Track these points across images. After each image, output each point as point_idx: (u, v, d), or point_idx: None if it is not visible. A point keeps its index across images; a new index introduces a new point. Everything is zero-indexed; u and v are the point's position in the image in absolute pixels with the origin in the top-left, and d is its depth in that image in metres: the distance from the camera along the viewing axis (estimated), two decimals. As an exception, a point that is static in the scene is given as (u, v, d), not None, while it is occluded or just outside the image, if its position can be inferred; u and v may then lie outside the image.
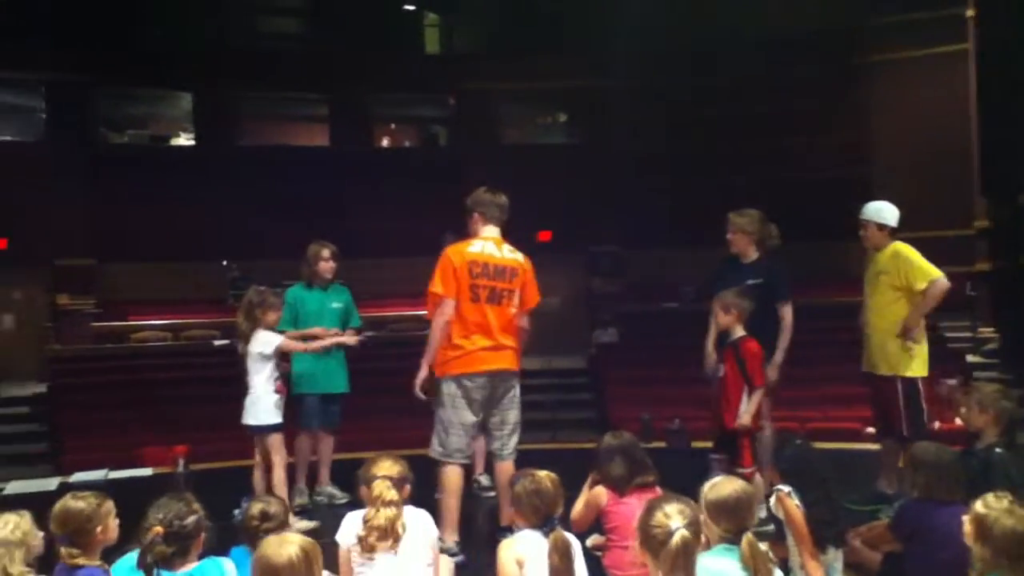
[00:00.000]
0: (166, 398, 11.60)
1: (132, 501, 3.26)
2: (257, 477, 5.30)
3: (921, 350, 5.19)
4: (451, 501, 4.53)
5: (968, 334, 13.01)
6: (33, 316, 14.84)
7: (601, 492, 3.86)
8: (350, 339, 5.82)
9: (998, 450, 3.99)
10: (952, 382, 4.73)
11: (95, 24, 14.66)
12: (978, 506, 2.79)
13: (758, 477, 4.66)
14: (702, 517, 2.73)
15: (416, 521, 3.40)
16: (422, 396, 4.68)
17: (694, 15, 14.82)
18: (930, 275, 5.08)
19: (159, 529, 2.93)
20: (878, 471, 5.38)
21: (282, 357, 5.40)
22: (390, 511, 3.28)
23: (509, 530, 4.02)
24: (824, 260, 13.65)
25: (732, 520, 2.82)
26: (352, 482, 3.97)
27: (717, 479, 3.00)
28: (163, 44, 15.68)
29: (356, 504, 3.55)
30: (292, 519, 4.29)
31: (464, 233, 4.86)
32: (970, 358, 12.01)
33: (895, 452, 5.13)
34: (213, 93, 16.21)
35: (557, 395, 12.30)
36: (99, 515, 3.09)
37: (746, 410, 4.72)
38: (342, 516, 3.47)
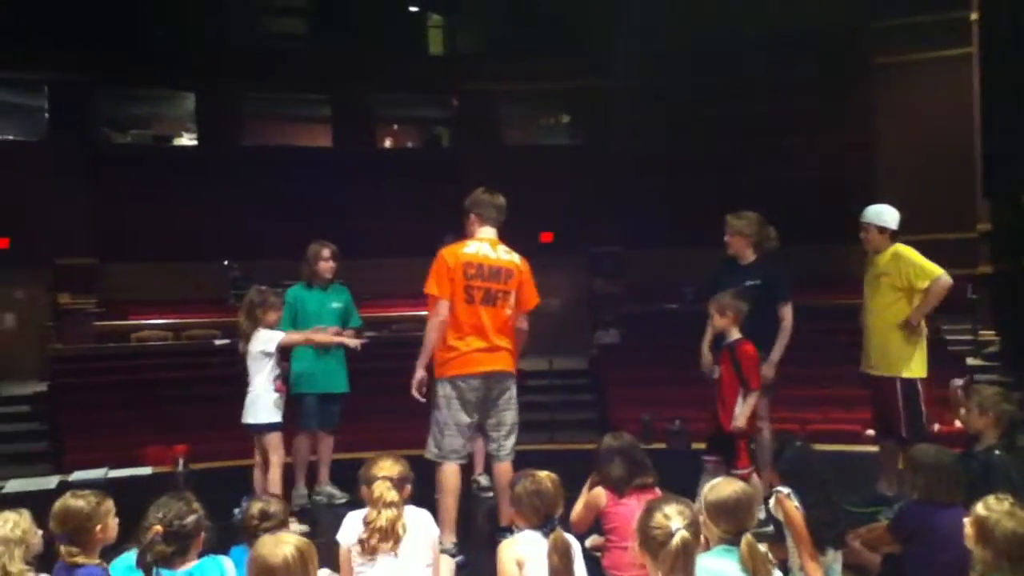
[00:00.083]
0: (167, 397, 11.61)
1: (132, 500, 3.27)
2: (257, 476, 5.30)
3: (920, 351, 5.19)
4: (448, 501, 4.53)
5: (969, 337, 13.00)
6: (34, 315, 14.85)
7: (601, 493, 3.86)
8: (352, 341, 5.82)
9: (998, 452, 3.99)
10: (959, 382, 4.71)
11: (98, 24, 14.67)
12: (979, 508, 2.79)
13: (755, 478, 4.66)
14: (701, 518, 2.73)
15: (417, 521, 3.41)
16: (420, 398, 4.69)
17: (695, 15, 14.81)
18: (932, 273, 5.09)
19: (159, 528, 2.94)
20: (878, 473, 5.38)
21: (282, 356, 5.41)
22: (391, 512, 3.28)
23: (509, 530, 4.02)
24: (825, 262, 13.64)
25: (732, 521, 2.82)
26: (352, 482, 3.97)
27: (717, 480, 3.00)
28: (166, 44, 15.68)
29: (355, 504, 3.55)
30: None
31: (465, 234, 4.86)
32: (971, 361, 11.99)
33: (895, 454, 5.13)
34: (216, 93, 16.23)
35: (558, 396, 12.30)
36: (99, 514, 3.10)
37: (741, 412, 4.72)
38: (341, 516, 3.47)
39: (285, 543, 2.59)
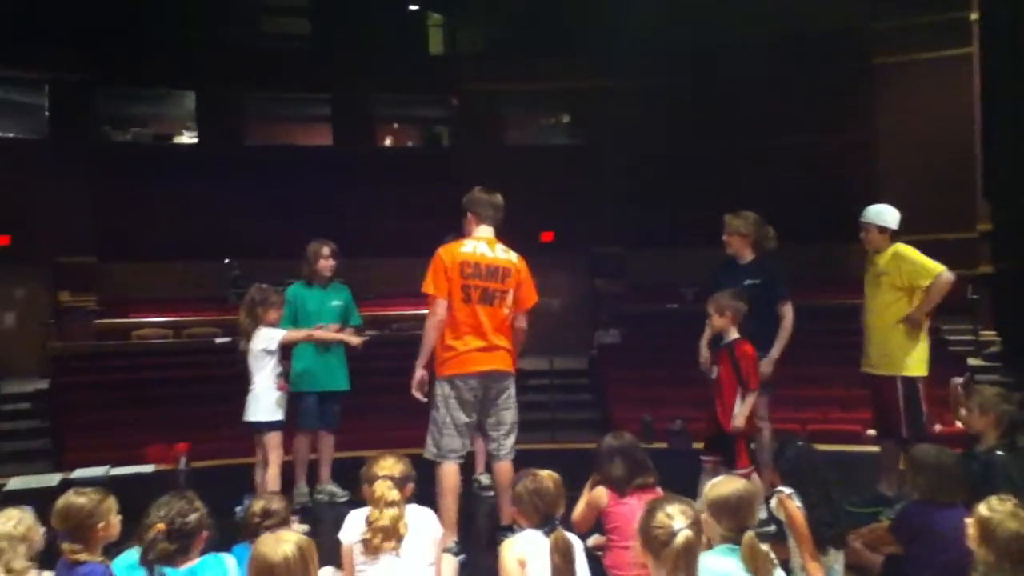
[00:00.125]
0: (167, 396, 11.63)
1: (134, 498, 3.27)
2: (259, 474, 5.30)
3: (921, 350, 5.20)
4: (448, 501, 4.52)
5: (970, 337, 13.01)
6: (35, 313, 14.86)
7: (602, 493, 3.87)
8: (354, 339, 5.82)
9: (999, 453, 3.98)
10: (959, 380, 4.70)
11: (99, 23, 14.69)
12: (982, 509, 2.79)
13: (756, 477, 4.66)
14: (703, 516, 2.74)
15: (419, 519, 3.40)
16: (421, 397, 4.69)
17: (696, 15, 14.83)
18: (934, 270, 5.09)
19: (161, 527, 2.95)
20: (878, 473, 5.38)
21: (283, 355, 5.41)
22: (392, 511, 3.28)
23: (510, 529, 4.03)
24: (825, 262, 13.66)
25: (733, 519, 2.82)
26: (353, 481, 3.97)
27: (719, 478, 3.01)
28: (167, 43, 15.69)
29: (357, 502, 3.55)
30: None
31: (464, 233, 4.86)
32: (972, 361, 12.00)
33: (895, 454, 5.12)
34: (216, 92, 16.23)
35: (559, 395, 12.32)
36: (101, 511, 3.10)
37: (740, 412, 4.73)
38: (343, 514, 3.47)
39: (285, 541, 2.60)
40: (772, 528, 3.88)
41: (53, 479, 6.91)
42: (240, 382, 5.38)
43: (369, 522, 3.27)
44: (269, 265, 12.30)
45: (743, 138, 15.35)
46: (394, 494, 3.31)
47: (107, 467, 7.13)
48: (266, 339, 5.21)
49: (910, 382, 5.15)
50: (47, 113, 15.56)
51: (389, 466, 3.41)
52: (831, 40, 15.32)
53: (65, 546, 3.05)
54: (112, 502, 3.17)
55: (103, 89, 15.99)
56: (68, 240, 14.90)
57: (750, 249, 5.35)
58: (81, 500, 3.10)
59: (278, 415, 5.25)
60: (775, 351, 5.15)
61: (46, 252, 14.72)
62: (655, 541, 2.51)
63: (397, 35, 17.52)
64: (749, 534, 2.78)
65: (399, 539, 3.26)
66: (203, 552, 3.06)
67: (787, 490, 3.63)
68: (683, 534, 2.48)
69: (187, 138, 17.05)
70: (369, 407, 9.88)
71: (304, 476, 5.91)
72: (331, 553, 3.47)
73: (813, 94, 15.28)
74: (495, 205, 4.77)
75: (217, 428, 9.39)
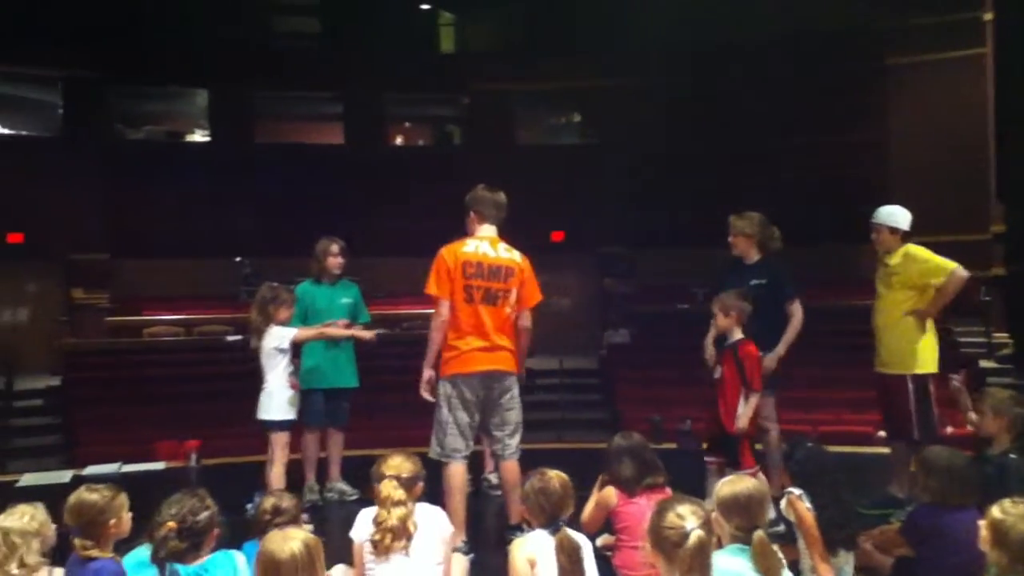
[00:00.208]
0: (179, 393, 11.65)
1: (145, 495, 3.29)
2: (269, 472, 5.33)
3: (930, 346, 5.18)
4: (456, 500, 4.53)
5: (982, 339, 12.92)
6: (47, 310, 14.93)
7: (611, 493, 3.87)
8: (366, 333, 5.84)
9: (1012, 456, 3.97)
10: (957, 377, 4.67)
11: (112, 21, 14.74)
12: (994, 511, 2.78)
13: (762, 476, 4.65)
14: (713, 515, 2.73)
15: (429, 518, 3.41)
16: (429, 397, 4.70)
17: (710, 14, 14.76)
18: (947, 267, 5.08)
19: (172, 524, 2.96)
20: (889, 475, 5.36)
21: (295, 353, 5.43)
22: (400, 511, 3.27)
23: (518, 528, 4.03)
24: (836, 263, 13.58)
25: (744, 517, 2.82)
26: (362, 479, 3.98)
27: (730, 476, 3.01)
28: (179, 41, 15.73)
29: (366, 501, 3.56)
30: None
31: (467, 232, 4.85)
32: (984, 363, 11.92)
33: (906, 456, 5.10)
34: (228, 90, 16.27)
35: (568, 395, 12.30)
36: (112, 508, 3.12)
37: (744, 413, 4.72)
38: (353, 512, 3.47)
39: (293, 539, 2.61)
40: (781, 528, 3.87)
41: (65, 475, 6.97)
42: (251, 380, 5.40)
43: (377, 522, 3.28)
44: (279, 263, 12.37)
45: (755, 138, 15.28)
46: (400, 493, 3.30)
47: (119, 464, 7.19)
48: (278, 337, 5.22)
49: (920, 380, 5.14)
50: (60, 111, 15.63)
51: (396, 465, 3.41)
52: (843, 39, 15.23)
53: (77, 542, 3.07)
54: (124, 499, 3.18)
55: (116, 87, 16.04)
56: (81, 237, 14.96)
57: (756, 249, 5.36)
58: (93, 496, 3.11)
59: (290, 414, 5.27)
60: (781, 347, 5.16)
61: (59, 249, 14.78)
62: (666, 541, 2.50)
63: (408, 34, 17.51)
64: (759, 533, 2.77)
65: (408, 538, 3.27)
66: (214, 549, 3.08)
67: (797, 491, 3.62)
68: (696, 534, 2.47)
69: (199, 136, 17.12)
70: (379, 405, 9.90)
71: (314, 474, 5.93)
72: (340, 551, 3.48)
73: (825, 94, 15.17)
74: (498, 204, 4.77)
75: (228, 425, 9.40)
